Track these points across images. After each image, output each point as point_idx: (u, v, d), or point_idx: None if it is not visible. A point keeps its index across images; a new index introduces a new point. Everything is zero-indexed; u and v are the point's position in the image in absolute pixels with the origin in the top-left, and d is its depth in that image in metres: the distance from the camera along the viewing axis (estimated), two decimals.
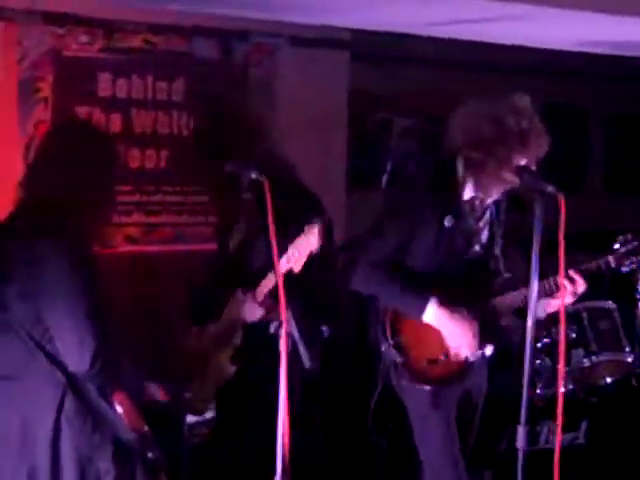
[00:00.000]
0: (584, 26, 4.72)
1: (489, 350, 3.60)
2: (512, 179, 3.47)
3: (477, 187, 3.60)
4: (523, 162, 3.47)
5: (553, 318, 3.99)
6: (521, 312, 3.52)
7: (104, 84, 5.00)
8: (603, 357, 4.78)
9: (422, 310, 3.50)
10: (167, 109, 5.07)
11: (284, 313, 2.94)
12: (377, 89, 6.00)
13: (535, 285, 3.10)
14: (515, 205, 3.76)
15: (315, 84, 5.45)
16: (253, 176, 3.07)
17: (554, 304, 3.56)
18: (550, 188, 3.12)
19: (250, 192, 3.28)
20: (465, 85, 5.21)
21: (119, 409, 2.94)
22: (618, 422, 4.85)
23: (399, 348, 3.61)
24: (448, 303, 3.56)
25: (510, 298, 3.61)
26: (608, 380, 4.79)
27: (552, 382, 4.63)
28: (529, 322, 3.16)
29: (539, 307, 3.35)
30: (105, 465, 2.80)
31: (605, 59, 5.88)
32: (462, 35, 5.14)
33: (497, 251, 3.69)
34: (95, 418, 2.79)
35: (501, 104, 3.57)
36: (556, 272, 3.38)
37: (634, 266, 3.61)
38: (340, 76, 5.58)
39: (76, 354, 2.68)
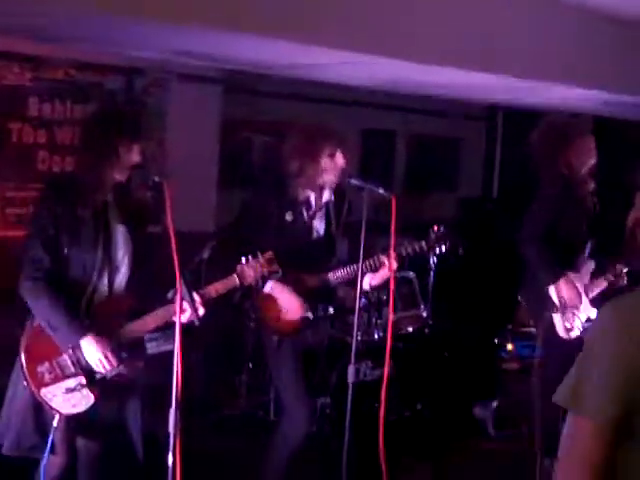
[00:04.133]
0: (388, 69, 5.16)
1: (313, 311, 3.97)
2: (330, 182, 3.88)
3: (305, 189, 3.97)
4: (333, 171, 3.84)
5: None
6: (352, 284, 3.86)
7: (33, 106, 5.55)
8: (405, 313, 5.44)
9: (263, 284, 3.87)
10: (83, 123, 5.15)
11: (179, 283, 3.14)
12: (241, 114, 6.61)
13: (361, 263, 3.60)
14: (344, 202, 4.09)
15: (196, 110, 6.07)
16: (156, 179, 3.26)
17: (376, 278, 3.95)
18: (381, 190, 3.61)
19: (153, 192, 3.36)
20: (307, 113, 5.89)
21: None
22: (415, 359, 5.51)
23: (257, 310, 4.09)
24: (295, 275, 3.90)
25: (342, 273, 3.96)
26: (409, 329, 5.49)
27: (368, 332, 5.17)
28: (357, 290, 3.64)
29: (365, 280, 3.89)
30: None
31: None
32: (305, 75, 5.63)
33: (333, 237, 4.06)
34: None
35: (315, 127, 3.99)
36: (378, 252, 3.82)
37: (443, 248, 4.00)
38: (214, 104, 6.23)
39: None
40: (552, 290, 4.32)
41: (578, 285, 4.39)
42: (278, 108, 6.67)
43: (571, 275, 4.38)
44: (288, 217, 3.96)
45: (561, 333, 4.33)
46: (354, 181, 3.81)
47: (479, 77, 5.22)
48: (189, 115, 6.10)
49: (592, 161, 4.47)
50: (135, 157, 3.40)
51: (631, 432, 1.78)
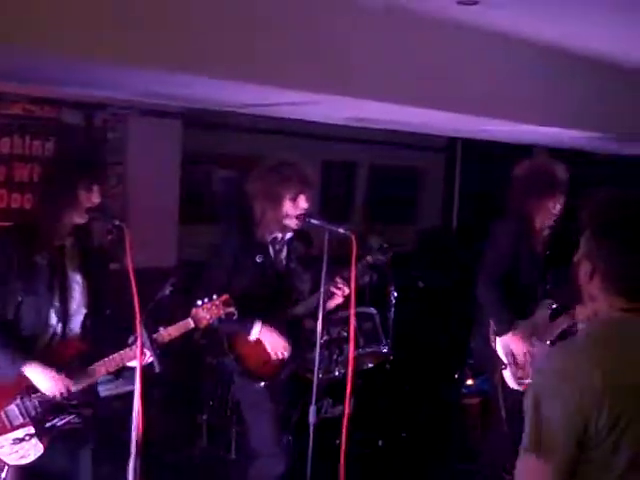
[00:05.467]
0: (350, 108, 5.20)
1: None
2: (292, 224, 3.88)
3: (268, 230, 3.96)
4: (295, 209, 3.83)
5: (331, 321, 4.63)
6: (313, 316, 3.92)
7: None
8: (366, 349, 5.40)
9: (250, 330, 3.91)
10: (41, 162, 5.39)
11: (139, 328, 3.15)
12: (202, 148, 6.55)
13: (322, 301, 3.69)
14: (303, 239, 4.16)
15: (156, 144, 6.01)
16: (116, 222, 3.28)
17: (331, 304, 3.98)
18: (341, 230, 3.67)
19: (112, 235, 3.37)
20: (267, 146, 5.80)
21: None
22: (376, 394, 5.59)
23: (237, 359, 3.98)
24: (265, 314, 3.91)
25: (301, 307, 4.03)
26: (370, 365, 5.45)
27: (329, 369, 5.11)
28: (319, 324, 3.68)
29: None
30: None
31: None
32: (264, 112, 5.67)
33: (293, 273, 4.09)
34: None
35: (276, 162, 3.90)
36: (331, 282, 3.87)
37: (384, 259, 4.08)
38: (174, 138, 6.18)
39: None
40: (499, 345, 4.30)
41: (530, 331, 4.36)
42: (239, 141, 6.64)
43: (521, 324, 4.36)
44: (258, 259, 3.95)
45: (513, 385, 4.31)
46: (314, 221, 3.83)
47: (445, 116, 5.26)
48: (149, 149, 6.04)
49: (555, 217, 4.50)
50: (95, 199, 3.37)
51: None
